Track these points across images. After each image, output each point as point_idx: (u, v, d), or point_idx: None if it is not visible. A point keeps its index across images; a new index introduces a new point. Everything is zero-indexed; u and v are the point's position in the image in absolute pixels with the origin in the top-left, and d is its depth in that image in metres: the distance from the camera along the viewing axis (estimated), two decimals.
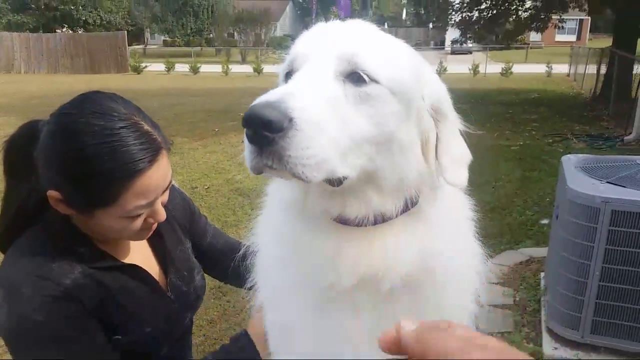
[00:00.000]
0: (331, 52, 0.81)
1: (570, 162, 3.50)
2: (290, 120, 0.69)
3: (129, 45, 28.65)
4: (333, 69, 0.79)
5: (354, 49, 0.81)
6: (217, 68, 26.55)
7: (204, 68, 26.72)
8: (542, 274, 4.05)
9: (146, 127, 1.11)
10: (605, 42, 17.05)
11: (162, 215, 1.20)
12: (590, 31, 47.23)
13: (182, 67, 26.16)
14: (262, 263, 1.04)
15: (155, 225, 1.23)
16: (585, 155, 3.76)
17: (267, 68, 26.34)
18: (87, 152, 1.04)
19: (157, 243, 1.35)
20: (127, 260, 1.27)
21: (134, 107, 1.14)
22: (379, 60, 0.81)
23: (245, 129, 0.71)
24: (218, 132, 10.15)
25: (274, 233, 0.98)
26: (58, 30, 35.45)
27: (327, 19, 0.94)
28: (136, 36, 48.05)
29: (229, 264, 1.31)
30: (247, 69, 27.02)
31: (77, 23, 39.69)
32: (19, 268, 1.10)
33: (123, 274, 1.22)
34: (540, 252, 4.48)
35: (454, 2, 17.94)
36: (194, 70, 25.78)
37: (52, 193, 1.09)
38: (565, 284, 3.15)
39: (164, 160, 1.14)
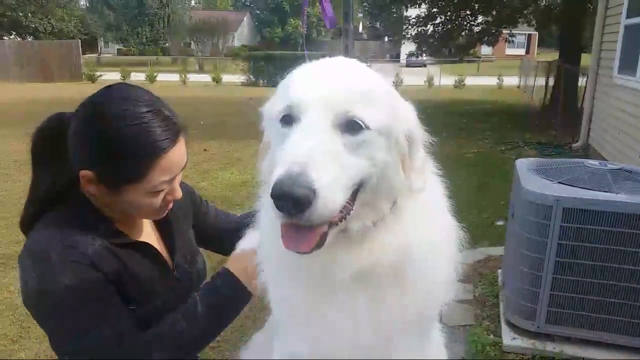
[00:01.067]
0: (329, 106, 0.90)
1: (524, 165, 3.73)
2: (314, 192, 0.81)
3: (82, 54, 27.92)
4: (331, 122, 0.90)
5: (349, 105, 0.91)
6: (175, 77, 26.23)
7: (161, 77, 26.34)
8: (500, 271, 4.26)
9: (166, 112, 1.25)
10: (553, 55, 17.92)
11: (179, 192, 1.32)
12: (538, 45, 49.42)
13: (137, 77, 25.71)
14: (264, 244, 1.12)
15: (171, 204, 1.35)
16: (537, 158, 4.00)
17: (225, 78, 26.25)
18: (119, 133, 1.17)
19: (165, 229, 1.47)
20: (140, 240, 1.38)
21: (154, 96, 1.28)
22: (370, 109, 0.92)
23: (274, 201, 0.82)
24: None
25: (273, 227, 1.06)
26: (5, 38, 34.12)
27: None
28: (89, 45, 46.82)
29: (233, 241, 1.40)
30: (205, 78, 26.83)
31: (27, 30, 38.35)
32: (47, 238, 1.19)
33: (136, 251, 1.32)
34: (497, 251, 4.71)
35: (410, 16, 18.46)
36: (151, 79, 25.37)
37: (85, 173, 1.20)
38: (521, 278, 3.34)
39: (182, 141, 1.28)
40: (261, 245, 1.15)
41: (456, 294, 3.89)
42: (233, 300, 1.34)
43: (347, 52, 3.82)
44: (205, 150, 9.49)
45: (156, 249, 1.38)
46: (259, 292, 1.27)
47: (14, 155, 8.41)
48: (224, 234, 1.63)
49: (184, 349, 1.27)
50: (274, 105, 1.01)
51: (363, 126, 0.90)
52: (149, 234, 1.43)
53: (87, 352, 1.18)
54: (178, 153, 1.25)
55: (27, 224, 1.28)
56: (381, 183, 0.96)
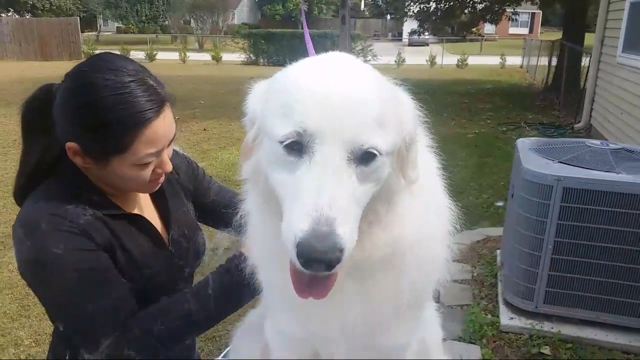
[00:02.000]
0: (345, 138, 0.81)
1: (525, 145, 3.70)
2: (341, 250, 0.76)
3: (81, 32, 27.63)
4: (347, 156, 0.82)
5: (365, 136, 0.82)
6: (174, 55, 26.01)
7: (161, 55, 26.11)
8: (498, 251, 4.26)
9: (151, 82, 1.22)
10: (556, 35, 17.69)
11: (169, 165, 1.29)
12: (542, 24, 48.84)
13: (137, 55, 25.49)
14: (253, 235, 1.09)
15: (162, 178, 1.32)
16: (538, 138, 3.97)
17: (225, 56, 26.01)
18: (101, 103, 1.14)
19: (161, 203, 1.45)
20: (133, 212, 1.36)
21: (139, 66, 1.25)
22: (382, 134, 0.85)
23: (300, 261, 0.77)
24: (178, 120, 9.86)
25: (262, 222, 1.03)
26: (3, 15, 33.75)
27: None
28: (88, 22, 46.33)
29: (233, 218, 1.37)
30: (205, 56, 26.60)
31: (24, 7, 37.91)
32: (38, 208, 1.19)
33: (129, 223, 1.31)
34: (496, 231, 4.70)
35: None
36: (150, 57, 25.16)
37: (70, 145, 1.18)
38: (520, 258, 3.34)
39: (168, 112, 1.24)
40: (250, 235, 1.12)
41: (454, 274, 3.91)
42: (245, 285, 1.30)
43: (343, 22, 3.78)
44: (204, 129, 9.44)
45: (149, 222, 1.36)
46: (249, 273, 1.25)
47: (12, 135, 8.38)
48: (224, 210, 1.60)
49: (188, 328, 1.26)
50: (267, 117, 0.89)
51: (377, 154, 0.84)
52: (143, 207, 1.41)
53: (81, 321, 1.17)
54: (163, 124, 1.21)
55: (21, 195, 1.27)
56: (381, 192, 0.92)
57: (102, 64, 1.19)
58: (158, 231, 1.39)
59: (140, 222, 1.34)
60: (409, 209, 0.98)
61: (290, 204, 0.81)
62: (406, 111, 0.94)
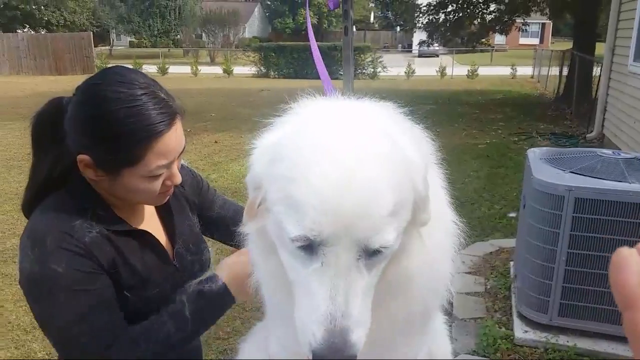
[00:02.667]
0: (354, 240, 0.79)
1: (535, 155, 3.67)
2: (355, 355, 0.78)
3: (94, 47, 28.07)
4: (356, 255, 0.80)
5: (376, 237, 0.79)
6: (186, 69, 26.29)
7: (172, 69, 26.41)
8: (512, 263, 4.22)
9: (162, 95, 1.23)
10: (567, 45, 17.65)
11: (178, 178, 1.30)
12: (552, 35, 48.68)
13: (149, 68, 25.81)
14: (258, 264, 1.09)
15: (171, 190, 1.33)
16: (549, 148, 3.94)
17: (236, 70, 26.25)
18: (113, 115, 1.16)
19: (166, 217, 1.45)
20: (139, 227, 1.37)
21: (150, 79, 1.26)
22: (394, 224, 0.81)
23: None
24: (190, 132, 10.09)
25: None
26: (19, 31, 34.40)
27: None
28: (101, 37, 47.06)
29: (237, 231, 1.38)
30: (216, 69, 26.86)
31: (40, 23, 38.63)
32: (45, 222, 1.20)
33: (134, 239, 1.31)
34: (509, 242, 4.66)
35: (421, 4, 18.28)
36: (163, 71, 25.45)
37: (82, 157, 1.19)
38: (533, 270, 3.30)
39: (179, 125, 1.26)
40: (254, 263, 1.11)
41: (467, 287, 3.87)
42: (219, 306, 1.35)
43: (346, 34, 3.78)
44: (216, 142, 9.51)
45: (155, 238, 1.37)
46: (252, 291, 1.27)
47: (27, 149, 8.45)
48: (230, 225, 1.61)
49: (168, 348, 1.27)
50: (274, 199, 0.85)
51: (388, 247, 0.81)
52: (149, 221, 1.41)
53: (64, 342, 1.18)
54: (174, 137, 1.23)
55: (28, 207, 1.28)
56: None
57: (114, 77, 1.20)
58: (163, 246, 1.39)
59: (145, 237, 1.34)
60: (417, 238, 0.96)
61: (303, 297, 0.82)
62: (416, 172, 0.86)
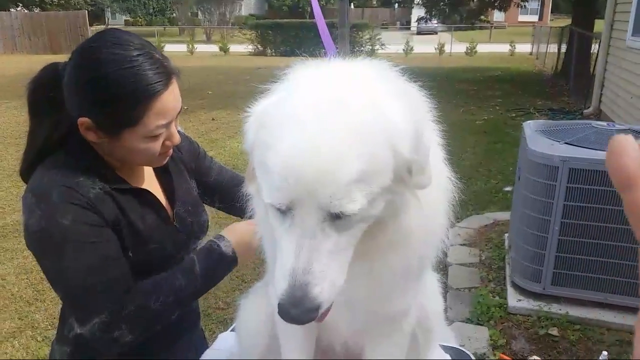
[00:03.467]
0: (317, 205, 0.82)
1: (531, 127, 3.70)
2: (317, 309, 0.83)
3: (90, 26, 27.73)
4: (323, 218, 0.84)
5: (337, 203, 0.81)
6: (182, 47, 26.03)
7: (168, 47, 26.06)
8: (506, 235, 4.27)
9: (157, 55, 1.25)
10: (566, 21, 17.48)
11: (177, 138, 1.32)
12: (551, 11, 48.17)
13: None
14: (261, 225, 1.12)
15: (170, 151, 1.36)
16: (544, 120, 3.96)
17: (233, 48, 26.02)
18: (112, 77, 1.17)
19: (165, 179, 1.47)
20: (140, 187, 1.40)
21: (144, 40, 1.28)
22: (364, 190, 0.82)
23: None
24: (187, 110, 10.05)
25: None
26: (13, 9, 33.93)
27: None
28: (96, 16, 46.41)
29: (234, 197, 1.41)
30: (213, 48, 26.61)
31: (33, 2, 38.05)
32: (50, 177, 1.22)
33: (135, 198, 1.34)
34: (504, 216, 4.71)
35: None
36: (159, 49, 25.15)
37: (83, 120, 1.20)
38: (527, 240, 3.35)
39: (175, 85, 1.27)
40: (258, 223, 1.15)
41: (462, 258, 3.93)
42: (225, 266, 1.38)
43: (342, 12, 3.77)
44: (213, 119, 9.49)
45: (155, 197, 1.39)
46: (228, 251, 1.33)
47: (24, 126, 8.44)
48: (226, 190, 1.64)
49: (178, 303, 1.30)
50: (255, 162, 0.91)
51: (345, 216, 0.84)
52: (149, 183, 1.44)
53: (77, 294, 1.20)
54: (172, 96, 1.25)
55: (27, 172, 1.30)
56: (382, 215, 0.92)
57: (109, 39, 1.21)
58: (163, 206, 1.41)
59: (146, 196, 1.37)
60: (415, 200, 0.98)
61: (277, 255, 0.88)
62: (400, 138, 0.86)
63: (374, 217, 0.88)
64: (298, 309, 0.82)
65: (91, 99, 1.20)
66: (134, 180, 1.38)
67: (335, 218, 0.83)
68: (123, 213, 1.29)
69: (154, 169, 1.46)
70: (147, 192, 1.38)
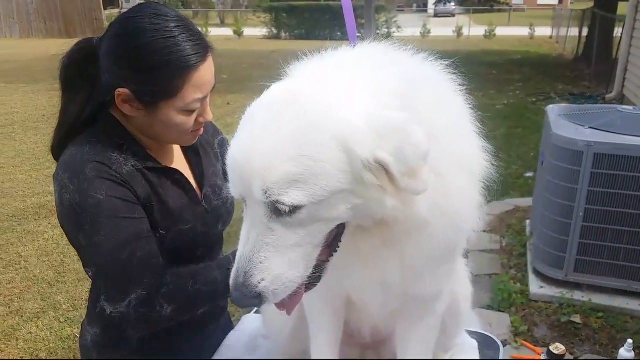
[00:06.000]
0: (257, 200, 0.85)
1: (555, 111, 3.62)
2: (257, 296, 0.88)
3: (104, 9, 27.76)
4: (265, 212, 0.87)
5: (273, 198, 0.82)
6: None
7: None
8: (528, 221, 4.21)
9: (195, 29, 1.24)
10: (587, 4, 17.05)
11: (210, 114, 1.32)
12: None
13: None
14: None
15: (202, 130, 1.35)
16: (568, 104, 3.87)
17: (247, 31, 25.89)
18: (152, 47, 1.17)
19: (195, 161, 1.46)
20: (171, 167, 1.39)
21: (182, 15, 1.26)
22: (295, 194, 0.82)
23: None
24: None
25: None
26: None
27: None
28: (110, 0, 46.49)
29: None
30: (227, 31, 26.51)
31: None
32: (82, 154, 1.21)
33: (166, 177, 1.33)
34: (525, 202, 4.64)
35: None
36: None
37: (121, 91, 1.20)
38: (550, 226, 3.30)
39: (211, 60, 1.26)
40: None
41: (483, 244, 3.88)
42: None
43: None
44: (228, 103, 9.47)
45: (185, 177, 1.39)
46: None
47: (41, 110, 8.56)
48: None
49: (211, 295, 1.29)
50: None
51: (289, 209, 0.84)
52: (179, 163, 1.43)
53: (113, 269, 1.20)
54: (208, 70, 1.24)
55: (59, 147, 1.30)
56: (366, 221, 0.91)
57: (149, 11, 1.21)
58: (193, 186, 1.40)
59: (176, 176, 1.36)
60: (449, 175, 0.94)
61: None
62: (359, 140, 0.83)
63: (337, 218, 0.88)
64: (238, 292, 0.89)
65: (130, 68, 1.19)
66: (165, 160, 1.37)
67: (279, 214, 0.85)
68: (155, 191, 1.28)
69: (183, 150, 1.45)
70: (178, 172, 1.37)
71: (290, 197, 0.82)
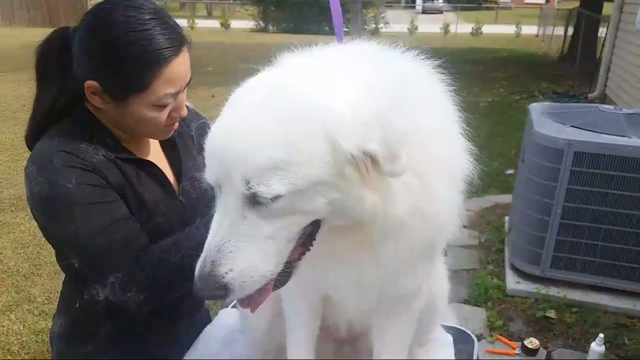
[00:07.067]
0: (233, 187, 0.83)
1: (537, 109, 3.64)
2: (222, 287, 0.84)
3: None
4: (241, 200, 0.84)
5: (252, 186, 0.80)
6: (183, 22, 25.39)
7: None
8: (507, 218, 4.25)
9: (170, 22, 1.21)
10: (574, 4, 17.21)
11: (184, 110, 1.29)
12: None
13: None
14: None
15: (177, 124, 1.32)
16: (551, 103, 3.90)
17: (234, 23, 25.70)
18: (122, 39, 1.14)
19: (172, 153, 1.44)
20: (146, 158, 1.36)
21: (158, 5, 1.23)
22: (273, 182, 0.80)
23: None
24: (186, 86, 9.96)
25: None
26: None
27: None
28: None
29: None
30: (214, 23, 26.28)
31: None
32: (51, 145, 1.19)
33: (140, 169, 1.31)
34: (505, 198, 4.68)
35: None
36: None
37: (90, 83, 1.17)
38: (528, 223, 3.33)
39: (186, 54, 1.23)
40: None
41: (461, 240, 3.91)
42: None
43: None
44: (213, 96, 9.39)
45: (161, 170, 1.36)
46: None
47: (22, 100, 8.41)
48: None
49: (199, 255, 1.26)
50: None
51: (266, 200, 0.82)
52: (155, 156, 1.40)
53: (90, 256, 1.18)
54: (182, 65, 1.21)
55: (32, 138, 1.27)
56: (344, 219, 0.88)
57: (122, 2, 1.18)
58: (169, 180, 1.38)
59: (151, 168, 1.34)
60: (429, 177, 0.92)
61: None
62: (339, 130, 0.82)
63: (314, 212, 0.85)
64: (203, 283, 0.84)
65: (100, 61, 1.16)
66: (140, 153, 1.34)
67: (255, 203, 0.83)
68: (129, 182, 1.26)
69: (161, 144, 1.42)
70: (152, 164, 1.34)
71: (269, 185, 0.80)
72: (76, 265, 1.21)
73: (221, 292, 0.85)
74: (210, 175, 0.88)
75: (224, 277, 0.84)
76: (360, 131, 0.82)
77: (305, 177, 0.81)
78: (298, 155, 0.80)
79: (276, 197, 0.81)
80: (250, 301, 0.92)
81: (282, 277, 0.92)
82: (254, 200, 0.82)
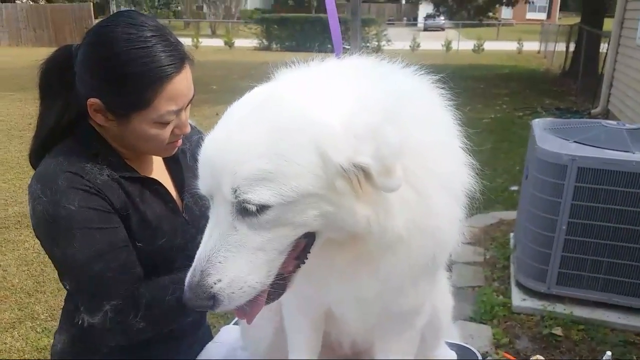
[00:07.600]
0: (223, 197, 0.84)
1: (540, 125, 3.65)
2: (211, 297, 0.85)
3: (95, 18, 27.71)
4: (230, 211, 0.85)
5: (241, 196, 0.81)
6: (187, 41, 25.83)
7: None
8: (512, 234, 4.23)
9: (172, 39, 1.22)
10: (575, 19, 17.34)
11: (187, 127, 1.29)
12: (560, 9, 47.83)
13: None
14: None
15: (180, 142, 1.32)
16: (554, 118, 3.91)
17: (238, 42, 25.95)
18: (124, 57, 1.15)
19: (175, 170, 1.44)
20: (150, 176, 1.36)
21: (160, 23, 1.25)
22: (262, 192, 0.81)
23: None
24: (191, 105, 10.01)
25: None
26: (18, 1, 33.93)
27: None
28: (101, 8, 46.41)
29: None
30: (218, 42, 26.55)
31: None
32: (55, 165, 1.20)
33: (145, 187, 1.31)
34: (510, 215, 4.66)
35: None
36: None
37: (92, 101, 1.18)
38: (533, 239, 3.31)
39: (188, 71, 1.24)
40: None
41: (466, 256, 3.89)
42: None
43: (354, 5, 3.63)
44: (217, 114, 9.37)
45: (165, 187, 1.36)
46: None
47: (28, 119, 8.48)
48: None
49: None
50: None
51: (256, 209, 0.82)
52: (159, 173, 1.41)
53: (86, 281, 1.18)
54: (183, 82, 1.21)
55: (36, 156, 1.28)
56: (338, 232, 0.88)
57: (124, 20, 1.19)
58: (173, 197, 1.38)
59: (155, 186, 1.34)
60: (429, 191, 0.92)
61: None
62: (330, 143, 0.82)
63: (304, 224, 0.85)
64: (191, 292, 0.85)
65: (101, 78, 1.17)
66: (143, 170, 1.35)
67: (245, 214, 0.83)
68: (132, 201, 1.26)
69: (164, 160, 1.43)
70: (156, 182, 1.35)
71: (258, 195, 0.81)
72: (67, 287, 1.23)
73: (209, 302, 0.85)
74: (202, 185, 0.89)
75: (212, 287, 0.84)
76: (351, 144, 0.82)
77: (294, 189, 0.82)
78: (287, 167, 0.81)
79: (265, 208, 0.82)
80: (246, 313, 0.93)
81: (276, 290, 0.91)
82: (243, 211, 0.83)
